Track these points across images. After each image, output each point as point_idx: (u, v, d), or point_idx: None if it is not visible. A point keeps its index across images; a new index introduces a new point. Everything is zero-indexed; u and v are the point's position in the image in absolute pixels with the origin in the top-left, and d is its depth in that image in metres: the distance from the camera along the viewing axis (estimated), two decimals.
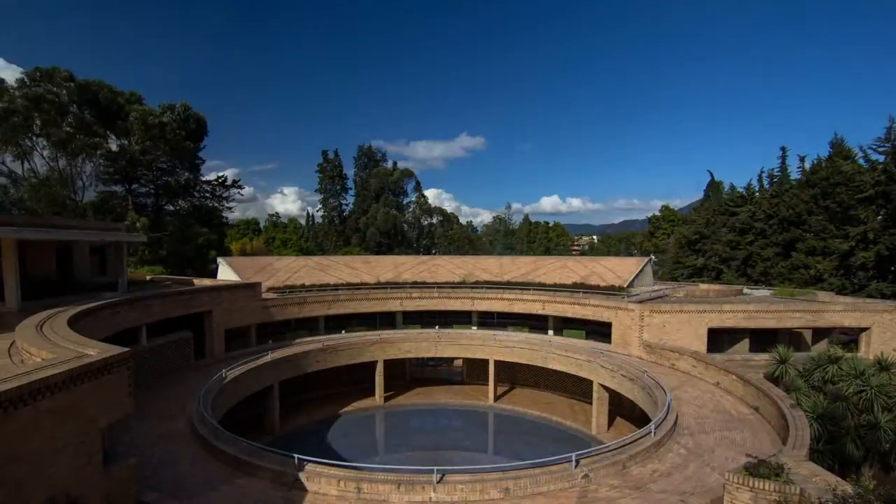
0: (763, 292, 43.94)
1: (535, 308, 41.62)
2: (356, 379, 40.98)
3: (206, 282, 38.98)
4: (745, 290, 44.74)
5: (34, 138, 54.92)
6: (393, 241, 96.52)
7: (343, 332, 42.31)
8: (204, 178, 74.79)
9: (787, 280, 56.10)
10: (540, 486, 16.44)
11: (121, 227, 39.48)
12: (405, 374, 44.94)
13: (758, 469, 13.63)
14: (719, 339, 35.37)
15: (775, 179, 67.69)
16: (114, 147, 62.50)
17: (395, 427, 38.01)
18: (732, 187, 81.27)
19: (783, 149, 66.87)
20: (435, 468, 16.48)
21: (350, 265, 51.21)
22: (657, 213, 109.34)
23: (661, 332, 34.40)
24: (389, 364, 40.72)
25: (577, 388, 39.95)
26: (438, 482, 16.13)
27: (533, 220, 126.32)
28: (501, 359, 40.15)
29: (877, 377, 25.05)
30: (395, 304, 44.25)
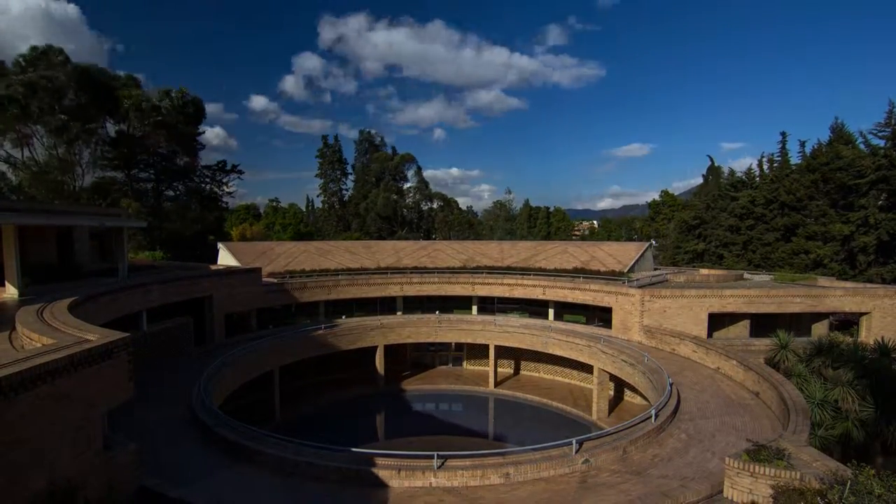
0: (763, 277, 43.90)
1: (536, 293, 41.60)
2: (356, 364, 41.03)
3: (206, 267, 38.92)
4: (746, 275, 44.69)
5: (32, 125, 54.47)
6: (393, 226, 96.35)
7: (343, 317, 42.34)
8: (203, 164, 74.50)
9: (787, 265, 56.07)
10: (541, 471, 16.49)
11: (121, 212, 39.34)
12: (406, 360, 45.00)
13: (758, 454, 13.65)
14: (720, 323, 35.41)
15: (775, 164, 67.40)
16: (112, 133, 62.15)
17: (395, 412, 38.16)
18: (732, 172, 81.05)
19: (783, 133, 66.57)
20: (435, 453, 16.50)
21: (350, 250, 51.12)
22: (657, 198, 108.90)
23: (662, 317, 34.41)
24: (390, 349, 40.78)
25: (580, 373, 40.11)
26: (439, 468, 16.17)
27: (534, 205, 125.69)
28: (502, 344, 40.22)
29: (878, 361, 25.07)
30: (395, 290, 44.22)
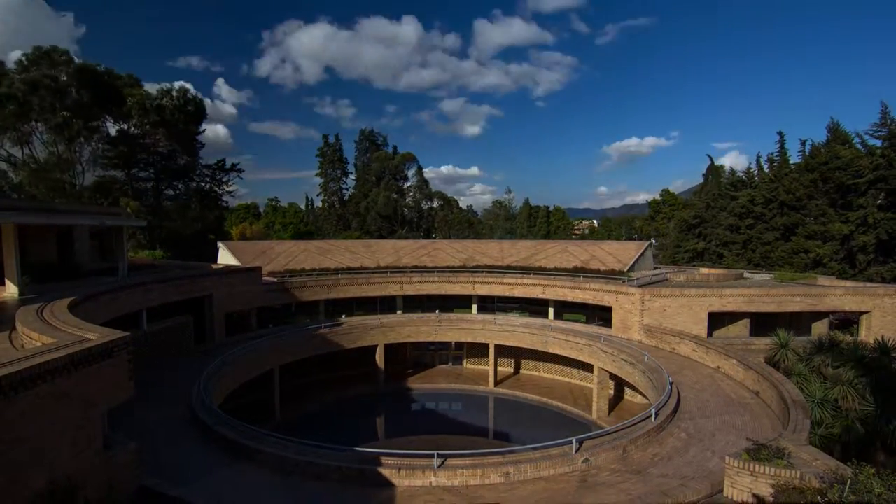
0: (763, 276, 43.88)
1: (536, 292, 41.59)
2: (357, 363, 41.02)
3: (207, 266, 38.92)
4: (746, 275, 44.68)
5: (33, 123, 54.56)
6: (393, 225, 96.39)
7: (343, 316, 42.30)
8: (203, 163, 74.50)
9: (787, 264, 56.07)
10: (540, 470, 16.49)
11: (121, 211, 39.33)
12: (406, 359, 45.00)
13: (758, 453, 13.65)
14: (720, 322, 35.41)
15: (774, 164, 67.38)
16: (113, 131, 62.24)
17: (395, 411, 38.20)
18: (732, 171, 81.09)
19: (781, 133, 66.47)
20: (435, 453, 16.50)
21: (350, 249, 51.10)
22: (658, 197, 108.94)
23: (662, 317, 34.41)
24: (390, 348, 40.78)
25: (580, 372, 40.14)
26: (439, 467, 16.17)
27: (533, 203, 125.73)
28: (502, 343, 40.24)
29: (878, 360, 25.06)
30: (395, 289, 44.21)
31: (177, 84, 66.99)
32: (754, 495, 13.01)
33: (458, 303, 45.58)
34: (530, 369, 43.88)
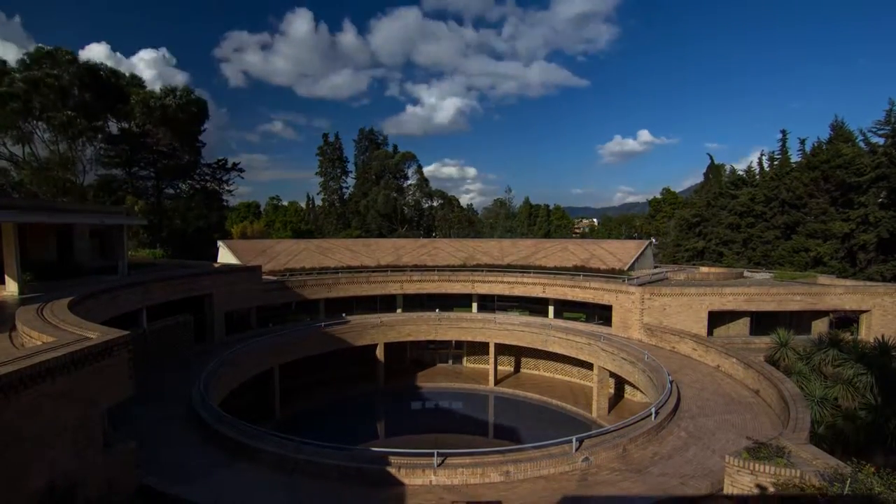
0: (763, 275, 43.88)
1: (536, 291, 41.56)
2: (357, 362, 41.03)
3: (207, 265, 38.92)
4: (746, 273, 44.68)
5: (34, 122, 54.64)
6: (394, 224, 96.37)
7: (343, 315, 42.29)
8: (204, 162, 74.58)
9: (787, 262, 56.03)
10: (541, 469, 16.49)
11: (121, 210, 39.35)
12: (406, 357, 45.01)
13: (758, 452, 13.64)
14: (720, 321, 35.40)
15: (775, 162, 67.25)
16: (115, 130, 62.34)
17: (395, 410, 38.21)
18: (733, 170, 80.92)
19: (783, 131, 66.34)
20: (435, 451, 16.50)
21: (350, 248, 51.09)
22: (658, 196, 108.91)
23: (662, 315, 34.40)
24: (390, 347, 40.79)
25: (580, 370, 40.16)
26: (439, 465, 16.17)
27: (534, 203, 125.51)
28: (502, 342, 40.26)
29: (878, 359, 25.05)
30: (395, 288, 44.18)
31: (180, 84, 67.27)
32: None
33: (458, 301, 45.54)
34: (530, 368, 43.89)
